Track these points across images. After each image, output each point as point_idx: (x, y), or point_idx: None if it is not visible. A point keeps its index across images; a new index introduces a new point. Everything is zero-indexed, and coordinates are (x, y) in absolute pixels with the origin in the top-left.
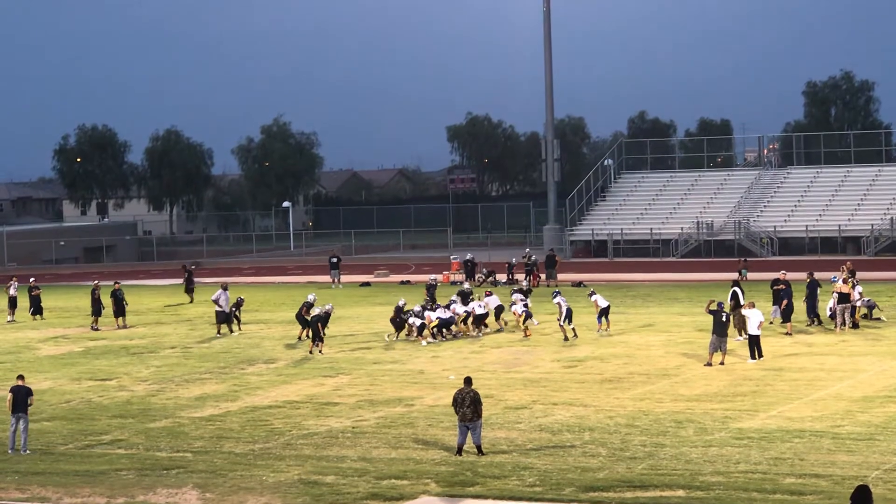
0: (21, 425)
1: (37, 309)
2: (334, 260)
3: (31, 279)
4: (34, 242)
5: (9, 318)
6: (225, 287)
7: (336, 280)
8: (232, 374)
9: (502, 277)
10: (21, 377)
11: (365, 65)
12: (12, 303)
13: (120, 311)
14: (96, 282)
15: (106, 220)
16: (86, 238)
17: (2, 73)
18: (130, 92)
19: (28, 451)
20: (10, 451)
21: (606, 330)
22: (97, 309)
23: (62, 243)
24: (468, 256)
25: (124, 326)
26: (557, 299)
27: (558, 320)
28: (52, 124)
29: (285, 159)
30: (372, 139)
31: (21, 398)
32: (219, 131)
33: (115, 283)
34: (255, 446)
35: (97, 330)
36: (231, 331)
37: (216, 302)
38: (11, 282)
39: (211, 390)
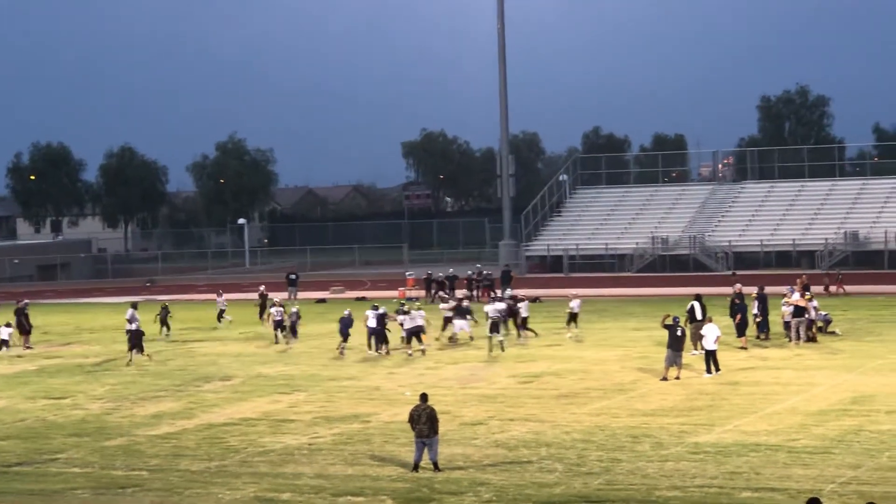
0: None
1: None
2: (292, 276)
3: None
4: None
5: None
6: (134, 305)
7: (293, 297)
8: (188, 391)
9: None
10: None
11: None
12: None
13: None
14: (25, 301)
15: (60, 237)
16: (40, 256)
17: None
18: (84, 109)
19: None
20: None
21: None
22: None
23: (16, 261)
24: (450, 271)
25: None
26: (489, 307)
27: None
28: (5, 142)
29: (240, 176)
30: (327, 155)
31: None
32: (173, 148)
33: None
34: (212, 464)
35: (30, 349)
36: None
37: (129, 321)
38: None
39: (167, 408)
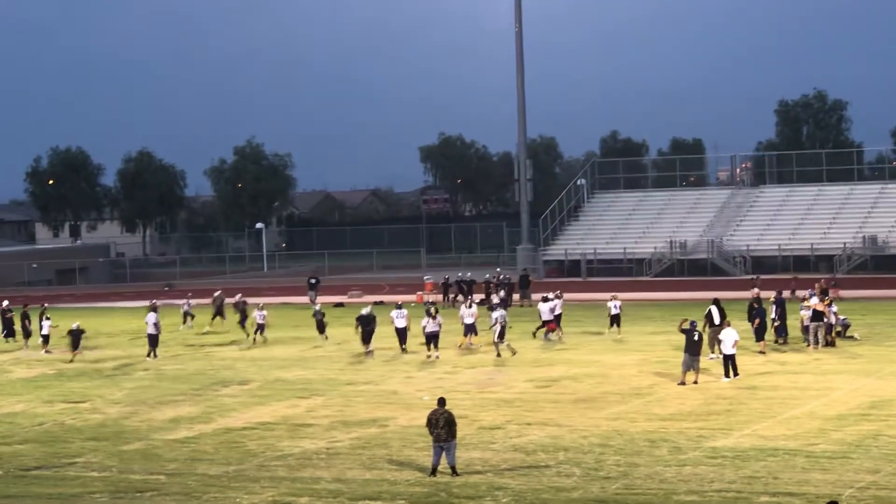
0: None
1: (9, 332)
2: (313, 281)
3: (5, 302)
4: (6, 265)
5: None
6: (154, 308)
7: (314, 300)
8: (206, 395)
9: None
10: None
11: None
12: None
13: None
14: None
15: (79, 242)
16: (59, 260)
17: None
18: (103, 113)
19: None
20: None
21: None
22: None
23: (35, 266)
24: (467, 275)
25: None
26: (496, 314)
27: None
28: (24, 146)
29: (258, 180)
30: (345, 160)
31: None
32: (191, 153)
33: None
34: (230, 468)
35: (48, 353)
36: (155, 355)
37: (148, 323)
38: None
39: (185, 412)
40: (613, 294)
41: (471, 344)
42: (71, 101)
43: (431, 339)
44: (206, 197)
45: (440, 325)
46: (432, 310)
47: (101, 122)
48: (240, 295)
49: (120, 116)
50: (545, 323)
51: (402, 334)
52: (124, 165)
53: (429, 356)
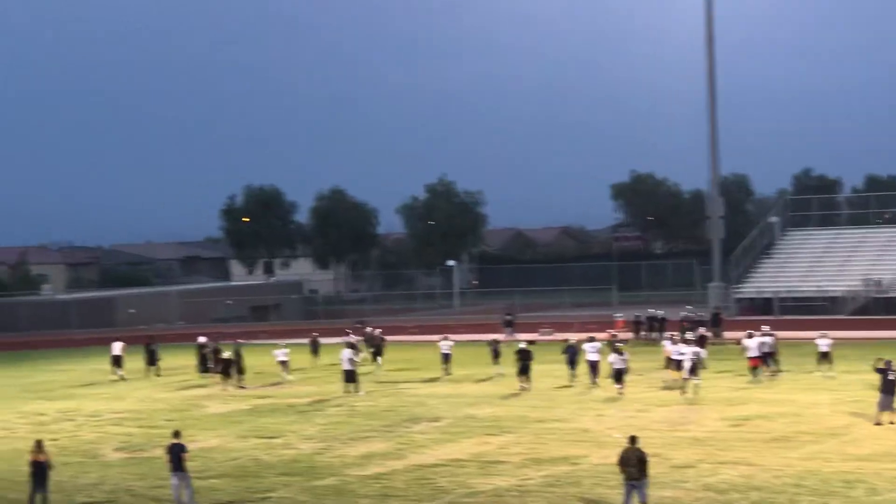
0: (183, 483)
1: (206, 367)
2: (508, 318)
3: (202, 338)
4: (202, 301)
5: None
6: (351, 345)
7: (509, 338)
8: (397, 432)
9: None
10: (176, 434)
11: (528, 123)
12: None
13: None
14: (239, 342)
15: (272, 279)
16: (253, 297)
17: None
18: (296, 152)
19: None
20: None
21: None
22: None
23: (229, 302)
24: (658, 313)
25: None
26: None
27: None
28: (219, 184)
29: (450, 218)
30: (536, 197)
31: (176, 456)
32: (383, 191)
33: (237, 341)
34: None
35: (243, 388)
36: (357, 391)
37: (343, 360)
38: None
39: (376, 448)
40: (823, 332)
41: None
42: (265, 139)
43: (619, 375)
44: (398, 234)
45: (626, 362)
46: (619, 347)
47: (295, 161)
48: (379, 330)
49: (313, 155)
50: (750, 359)
51: (594, 367)
52: (317, 203)
53: (620, 392)
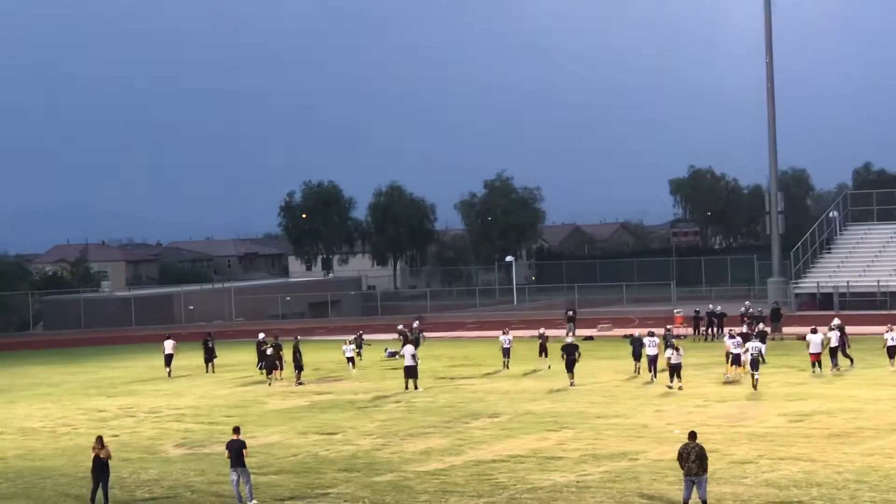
0: (242, 478)
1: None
2: (570, 313)
3: (261, 334)
4: (261, 298)
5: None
6: (411, 341)
7: (571, 333)
8: (456, 428)
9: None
10: (236, 430)
11: (587, 119)
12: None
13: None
14: (297, 337)
15: (331, 275)
16: (311, 293)
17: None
18: (354, 148)
19: (255, 502)
20: (237, 503)
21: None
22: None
23: (288, 298)
24: (717, 308)
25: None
26: (750, 344)
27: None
28: (278, 181)
29: (508, 214)
30: (594, 193)
31: (236, 452)
32: (441, 186)
33: (296, 337)
34: (480, 500)
35: (301, 384)
36: (416, 387)
37: (405, 355)
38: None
39: (435, 444)
40: (890, 325)
41: (729, 376)
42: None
43: (674, 370)
44: (456, 230)
45: (681, 357)
46: (675, 342)
47: (353, 157)
48: (417, 323)
49: (371, 151)
50: (811, 354)
51: (652, 362)
52: (375, 199)
53: (670, 387)
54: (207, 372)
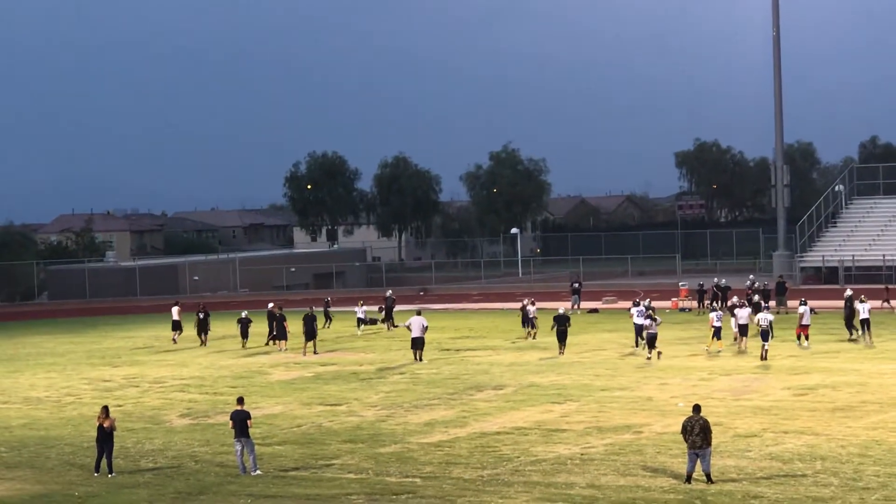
0: (246, 448)
1: (280, 333)
2: (576, 286)
3: (270, 304)
4: (265, 269)
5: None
6: (419, 312)
7: (576, 306)
8: (460, 400)
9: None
10: (240, 401)
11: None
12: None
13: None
14: (275, 304)
15: (336, 246)
16: (316, 264)
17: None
18: (360, 119)
19: (259, 472)
20: (240, 473)
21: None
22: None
23: (293, 269)
24: (722, 282)
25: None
26: (760, 315)
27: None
28: (284, 152)
29: (513, 186)
30: (600, 165)
31: (240, 423)
32: (447, 158)
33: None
34: (484, 472)
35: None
36: (421, 358)
37: (408, 327)
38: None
39: (439, 416)
40: (862, 296)
41: (710, 350)
42: (329, 108)
43: (651, 341)
44: (462, 202)
45: (657, 328)
46: (651, 312)
47: (359, 128)
48: (390, 292)
49: (376, 122)
50: (800, 326)
51: (637, 330)
52: (380, 170)
53: (648, 358)
54: (202, 345)
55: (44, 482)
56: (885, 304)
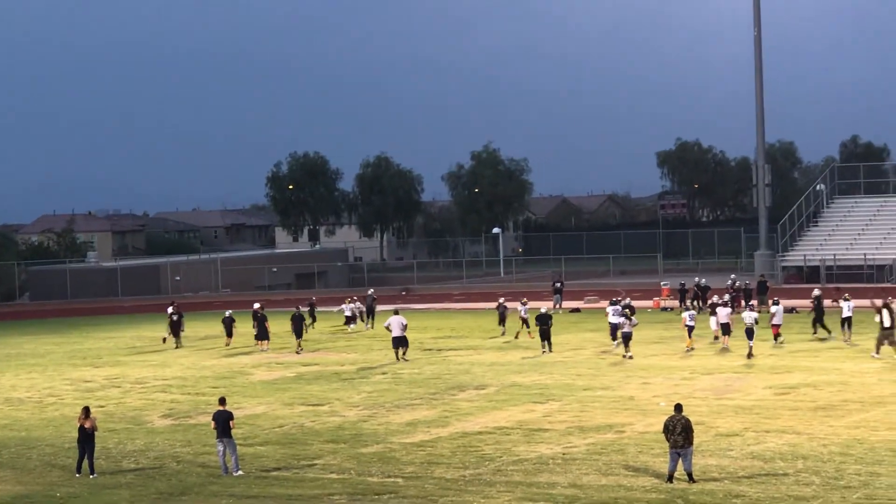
0: (228, 449)
1: (262, 333)
2: (558, 285)
3: (256, 304)
4: (247, 269)
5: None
6: (396, 312)
7: (558, 305)
8: (442, 399)
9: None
10: (222, 401)
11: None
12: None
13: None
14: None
15: (317, 246)
16: (298, 264)
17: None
18: (341, 119)
19: (240, 472)
20: (223, 474)
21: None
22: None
23: (274, 269)
24: (702, 281)
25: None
26: (745, 314)
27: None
28: (265, 152)
29: (495, 185)
30: (581, 165)
31: (222, 423)
32: (428, 158)
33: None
34: (466, 472)
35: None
36: (399, 357)
37: (388, 328)
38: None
39: (421, 416)
40: (846, 294)
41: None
42: (310, 108)
43: (626, 339)
44: (443, 202)
45: (633, 327)
46: (628, 312)
47: (340, 129)
48: (371, 290)
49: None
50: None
51: (613, 329)
52: (362, 170)
53: (624, 356)
54: (176, 347)
55: (25, 483)
56: (834, 303)
